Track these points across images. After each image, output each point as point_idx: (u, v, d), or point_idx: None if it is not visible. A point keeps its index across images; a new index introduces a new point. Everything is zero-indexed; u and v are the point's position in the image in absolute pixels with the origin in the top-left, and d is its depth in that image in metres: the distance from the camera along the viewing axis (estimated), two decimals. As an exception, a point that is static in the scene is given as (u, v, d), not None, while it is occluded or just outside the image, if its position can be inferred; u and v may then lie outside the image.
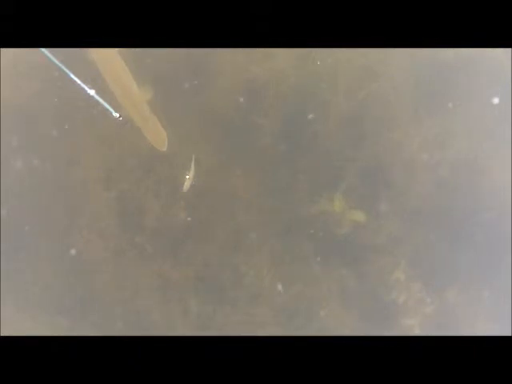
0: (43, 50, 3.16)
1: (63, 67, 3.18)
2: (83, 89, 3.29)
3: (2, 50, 3.51)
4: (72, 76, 3.20)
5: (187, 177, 3.49)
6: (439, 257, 3.62)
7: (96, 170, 3.61)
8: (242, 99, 3.61)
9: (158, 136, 3.47)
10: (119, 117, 3.32)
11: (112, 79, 3.39)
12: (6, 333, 3.48)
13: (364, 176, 3.61)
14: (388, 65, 3.63)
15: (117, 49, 3.39)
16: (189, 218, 3.58)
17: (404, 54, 3.63)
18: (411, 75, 3.64)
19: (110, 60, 3.39)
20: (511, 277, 3.56)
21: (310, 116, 3.60)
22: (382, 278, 3.62)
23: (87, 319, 3.60)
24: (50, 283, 3.62)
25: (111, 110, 3.28)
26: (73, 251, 3.61)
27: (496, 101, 3.61)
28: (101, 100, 3.27)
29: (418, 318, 3.64)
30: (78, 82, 3.25)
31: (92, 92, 3.26)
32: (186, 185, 3.50)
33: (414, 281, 3.62)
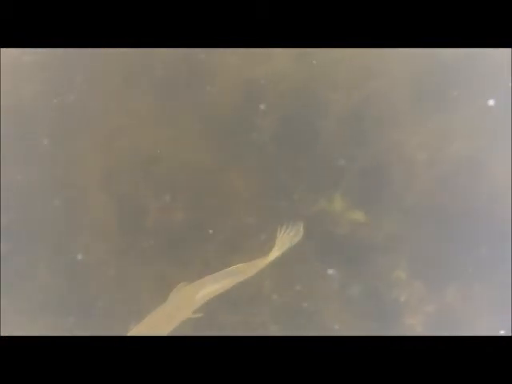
0: None
1: None
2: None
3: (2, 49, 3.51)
4: None
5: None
6: (439, 255, 3.62)
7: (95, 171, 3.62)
8: (241, 99, 3.62)
9: None
10: None
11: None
12: (5, 333, 3.49)
13: (364, 176, 3.61)
14: (388, 65, 3.63)
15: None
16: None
17: (404, 54, 3.63)
18: (411, 75, 3.64)
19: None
20: (511, 276, 3.56)
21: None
22: (382, 277, 3.62)
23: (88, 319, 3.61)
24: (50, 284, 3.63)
25: None
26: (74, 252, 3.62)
27: (493, 101, 3.62)
28: None
29: (418, 317, 3.63)
30: None
31: None
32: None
33: (415, 279, 3.62)
